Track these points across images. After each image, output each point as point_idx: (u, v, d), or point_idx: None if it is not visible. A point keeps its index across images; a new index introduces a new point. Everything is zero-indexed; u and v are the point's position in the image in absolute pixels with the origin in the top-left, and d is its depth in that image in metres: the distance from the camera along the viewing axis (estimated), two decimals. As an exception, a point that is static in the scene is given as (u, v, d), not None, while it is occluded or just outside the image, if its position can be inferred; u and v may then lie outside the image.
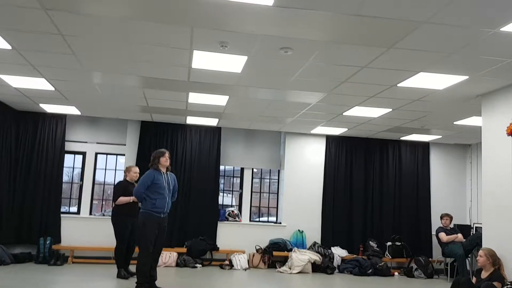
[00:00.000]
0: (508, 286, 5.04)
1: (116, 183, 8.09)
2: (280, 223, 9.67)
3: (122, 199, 6.80)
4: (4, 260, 7.64)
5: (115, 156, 9.49)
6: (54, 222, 8.64)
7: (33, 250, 8.28)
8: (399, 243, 9.36)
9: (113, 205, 7.08)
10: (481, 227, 6.71)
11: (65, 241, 8.63)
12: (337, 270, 8.80)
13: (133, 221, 6.53)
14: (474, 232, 8.76)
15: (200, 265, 8.56)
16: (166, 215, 5.94)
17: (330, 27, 4.07)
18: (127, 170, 7.26)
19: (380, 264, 8.75)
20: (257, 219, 10.05)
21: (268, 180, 10.41)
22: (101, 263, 8.36)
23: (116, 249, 6.94)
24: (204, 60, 5.16)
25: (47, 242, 8.20)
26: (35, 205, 8.55)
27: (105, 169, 9.48)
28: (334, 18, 3.86)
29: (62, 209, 8.96)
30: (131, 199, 6.67)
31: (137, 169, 7.23)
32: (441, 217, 8.75)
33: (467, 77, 5.33)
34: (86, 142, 9.24)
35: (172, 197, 6.03)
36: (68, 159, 9.18)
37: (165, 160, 5.91)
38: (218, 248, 9.03)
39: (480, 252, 5.42)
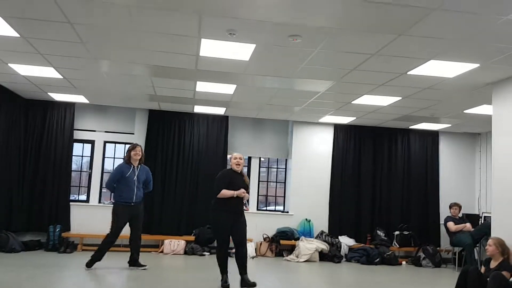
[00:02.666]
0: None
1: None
2: (287, 212, 9.69)
3: (225, 193, 5.58)
4: (14, 248, 7.73)
5: (124, 144, 9.51)
6: (64, 210, 8.73)
7: (43, 237, 8.38)
8: (407, 232, 9.34)
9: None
10: (489, 217, 6.67)
11: (74, 229, 8.71)
12: (344, 259, 8.82)
13: (235, 219, 5.63)
14: (482, 222, 8.72)
15: (208, 253, 8.60)
16: (137, 204, 6.49)
17: (339, 14, 4.03)
18: (232, 157, 5.93)
19: (387, 253, 8.75)
20: (264, 208, 10.07)
21: (275, 169, 10.40)
22: (110, 250, 8.39)
23: (216, 252, 5.88)
24: (212, 48, 5.14)
25: (57, 230, 8.29)
26: (44, 193, 8.63)
27: (114, 158, 9.53)
28: (343, 4, 3.81)
29: (71, 197, 9.04)
30: (235, 193, 5.56)
31: (237, 155, 5.87)
32: (450, 207, 8.72)
33: (478, 65, 5.26)
34: (95, 131, 9.28)
35: (146, 188, 6.71)
36: (77, 147, 9.23)
37: (134, 154, 6.49)
38: (226, 236, 9.05)
39: (490, 242, 5.39)
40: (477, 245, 8.18)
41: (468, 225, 8.41)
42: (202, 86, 7.01)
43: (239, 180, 5.71)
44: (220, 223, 5.61)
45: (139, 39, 5.00)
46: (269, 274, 7.38)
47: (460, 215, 8.73)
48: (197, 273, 6.93)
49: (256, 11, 4.04)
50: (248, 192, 5.82)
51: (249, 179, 9.51)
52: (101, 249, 6.51)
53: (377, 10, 3.88)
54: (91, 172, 9.21)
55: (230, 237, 5.66)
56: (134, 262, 6.65)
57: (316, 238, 9.13)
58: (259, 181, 9.88)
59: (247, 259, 5.74)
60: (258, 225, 9.26)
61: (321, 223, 9.48)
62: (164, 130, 9.22)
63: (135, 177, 6.46)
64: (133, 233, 6.63)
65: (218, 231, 5.68)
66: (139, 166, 6.58)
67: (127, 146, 9.42)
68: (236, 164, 5.75)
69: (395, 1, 3.70)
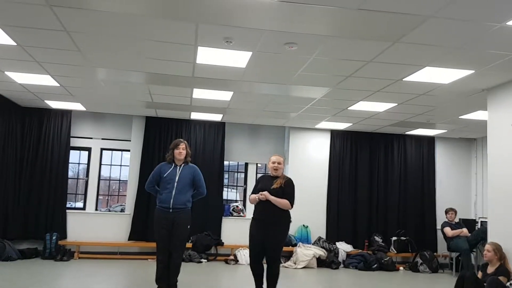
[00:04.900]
0: (514, 280, 5.03)
1: None
2: (285, 218, 9.67)
3: (250, 198, 5.28)
4: (10, 256, 7.69)
5: (120, 151, 9.52)
6: (60, 217, 8.69)
7: (40, 245, 8.34)
8: (404, 238, 9.36)
9: None
10: (486, 222, 6.69)
11: (71, 236, 8.68)
12: (342, 265, 8.81)
13: (265, 231, 5.11)
14: (479, 227, 8.74)
15: (205, 260, 8.59)
16: (177, 210, 5.34)
17: (335, 21, 4.05)
18: (269, 161, 5.41)
19: (385, 259, 8.75)
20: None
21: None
22: (107, 258, 8.41)
23: None
24: (209, 56, 5.16)
25: (53, 238, 8.25)
26: (41, 201, 8.59)
27: (111, 165, 9.53)
28: (338, 12, 3.84)
29: (68, 205, 9.01)
30: (256, 197, 5.10)
31: (274, 158, 5.34)
32: (446, 212, 8.75)
33: (473, 71, 5.30)
34: (91, 138, 9.26)
35: (197, 192, 5.61)
36: (73, 155, 9.22)
37: (178, 153, 5.48)
38: (223, 243, 9.06)
39: (487, 247, 5.41)
40: (474, 250, 8.20)
41: (464, 230, 8.43)
42: (199, 93, 7.02)
43: (268, 184, 5.15)
44: (250, 231, 5.22)
45: (136, 47, 5.01)
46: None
47: (456, 220, 8.76)
48: (196, 280, 6.91)
49: (252, 19, 4.07)
50: (285, 194, 5.20)
51: (246, 185, 9.50)
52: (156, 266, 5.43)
53: (373, 17, 3.91)
54: (88, 180, 9.19)
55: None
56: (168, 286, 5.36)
57: (313, 244, 9.12)
58: (256, 187, 9.86)
59: (277, 278, 5.13)
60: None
61: (318, 229, 9.48)
62: (161, 137, 9.21)
63: (176, 178, 5.40)
64: (171, 248, 5.35)
65: (249, 240, 5.20)
66: (183, 165, 5.54)
67: (124, 153, 9.50)
68: (274, 169, 5.26)
69: (390, 9, 3.73)
